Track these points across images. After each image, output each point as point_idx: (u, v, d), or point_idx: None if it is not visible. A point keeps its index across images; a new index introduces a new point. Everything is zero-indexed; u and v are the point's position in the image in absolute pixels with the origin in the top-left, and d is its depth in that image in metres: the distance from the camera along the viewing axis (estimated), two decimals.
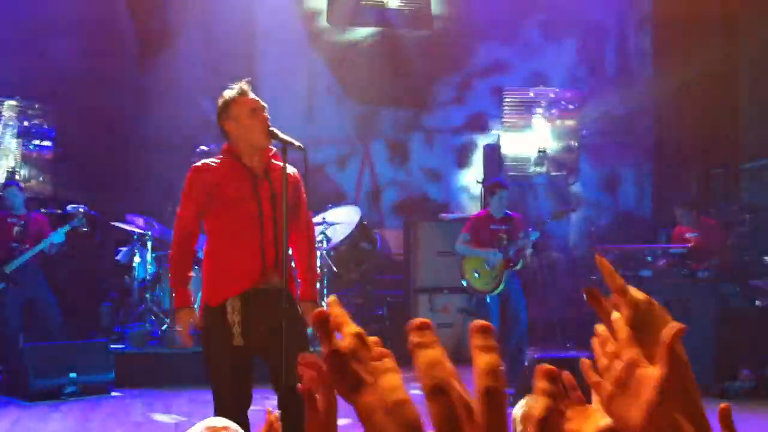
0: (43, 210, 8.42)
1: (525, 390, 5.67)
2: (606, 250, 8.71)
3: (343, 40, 11.06)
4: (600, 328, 0.92)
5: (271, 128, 3.70)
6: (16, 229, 7.75)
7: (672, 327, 0.85)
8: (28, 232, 7.80)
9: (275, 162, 3.78)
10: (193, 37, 10.21)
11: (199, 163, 3.79)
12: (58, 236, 7.67)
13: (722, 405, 0.92)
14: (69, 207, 8.48)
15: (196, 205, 3.72)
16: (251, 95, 3.74)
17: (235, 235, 3.69)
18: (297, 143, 3.66)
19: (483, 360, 0.54)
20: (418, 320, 0.54)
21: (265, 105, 3.76)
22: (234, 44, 10.33)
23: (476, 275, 7.52)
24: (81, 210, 7.77)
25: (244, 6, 10.42)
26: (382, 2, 10.90)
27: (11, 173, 9.24)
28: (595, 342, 0.92)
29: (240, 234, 3.69)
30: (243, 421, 3.43)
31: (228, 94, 3.75)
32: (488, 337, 0.54)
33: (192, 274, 3.80)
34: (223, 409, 3.55)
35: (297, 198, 3.86)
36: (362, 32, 11.10)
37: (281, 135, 3.67)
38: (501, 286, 7.35)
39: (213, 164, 3.75)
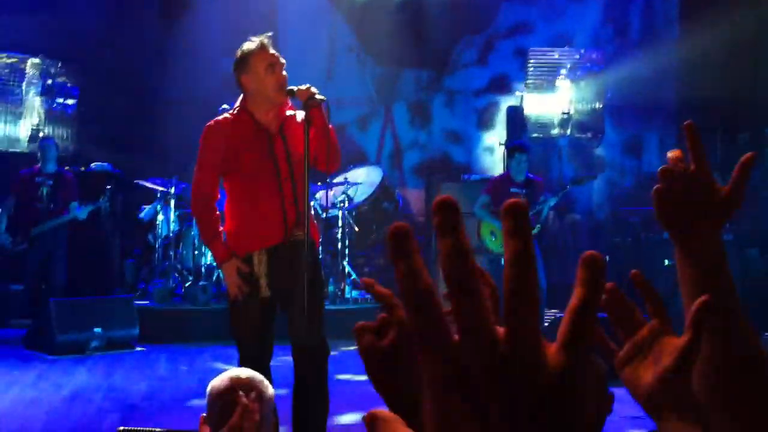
0: (67, 168, 8.48)
1: None
2: (631, 212, 8.66)
3: (365, 0, 10.96)
4: None
5: (289, 87, 3.64)
6: (43, 189, 7.80)
7: (701, 300, 0.87)
8: (55, 192, 7.85)
9: (291, 116, 3.74)
10: None
11: (212, 122, 3.70)
12: (81, 213, 7.75)
13: (687, 122, 1.10)
14: (93, 165, 8.56)
15: (212, 167, 3.67)
16: (271, 50, 3.66)
17: (255, 196, 3.67)
18: (318, 95, 3.58)
19: (513, 245, 0.49)
20: (443, 197, 0.48)
21: (284, 61, 3.69)
22: (255, 2, 10.27)
23: (492, 237, 7.53)
24: (105, 198, 7.80)
25: None
26: None
27: (35, 131, 9.30)
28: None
29: (259, 195, 3.66)
30: (266, 373, 3.32)
31: (247, 46, 3.68)
32: (519, 219, 0.48)
33: (221, 228, 3.75)
34: (248, 359, 3.57)
35: (322, 125, 3.69)
36: None
37: (299, 88, 3.61)
38: None
39: (226, 123, 3.67)
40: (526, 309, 0.47)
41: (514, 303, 0.47)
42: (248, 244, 3.67)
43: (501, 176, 7.84)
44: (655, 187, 1.17)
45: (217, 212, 3.78)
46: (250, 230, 3.68)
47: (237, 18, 9.98)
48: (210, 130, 3.67)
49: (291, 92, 3.63)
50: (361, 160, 10.00)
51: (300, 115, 3.72)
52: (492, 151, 11.14)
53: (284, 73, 3.66)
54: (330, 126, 3.67)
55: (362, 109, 11.11)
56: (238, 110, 3.70)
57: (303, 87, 3.61)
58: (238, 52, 3.71)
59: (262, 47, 3.65)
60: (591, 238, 10.07)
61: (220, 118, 3.72)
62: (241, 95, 3.74)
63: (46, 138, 8.61)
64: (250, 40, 3.70)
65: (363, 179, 8.94)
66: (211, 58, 9.75)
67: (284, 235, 3.67)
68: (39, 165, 7.98)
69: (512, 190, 7.47)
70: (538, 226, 7.37)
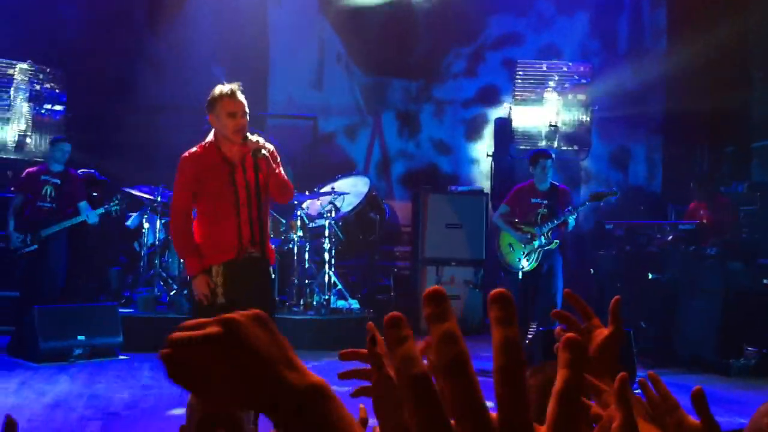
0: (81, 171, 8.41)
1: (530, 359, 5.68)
2: (615, 225, 8.69)
3: (354, 8, 10.99)
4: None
5: (245, 134, 4.18)
6: (47, 188, 7.75)
7: (616, 298, 1.16)
8: (61, 192, 7.79)
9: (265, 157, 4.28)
10: (203, 2, 10.17)
11: (186, 153, 4.32)
12: (92, 217, 7.71)
13: (696, 388, 1.07)
14: (80, 171, 8.51)
15: (188, 189, 4.30)
16: (237, 98, 4.18)
17: (216, 216, 4.29)
18: (264, 150, 4.18)
19: (500, 334, 0.50)
20: (432, 289, 0.50)
21: (246, 110, 4.22)
22: (244, 10, 10.28)
23: (510, 249, 7.26)
24: (116, 200, 7.77)
25: None
26: None
27: (23, 136, 9.26)
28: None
29: (220, 216, 4.27)
30: None
31: (217, 90, 4.21)
32: (507, 307, 0.49)
33: (195, 243, 4.33)
34: None
35: (269, 172, 4.33)
36: (374, 1, 11.02)
37: (251, 139, 4.18)
38: (532, 264, 7.09)
39: (197, 154, 4.29)
40: (517, 395, 0.47)
41: (504, 389, 0.47)
42: (209, 258, 4.28)
43: (523, 185, 7.44)
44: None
45: (191, 230, 4.37)
46: (210, 246, 4.28)
47: (227, 25, 10.00)
48: (184, 160, 4.31)
49: (245, 139, 4.19)
50: (348, 170, 10.01)
51: (266, 144, 4.31)
52: (479, 162, 11.17)
53: (245, 119, 4.21)
54: (278, 170, 4.31)
55: (351, 119, 11.13)
56: (208, 143, 4.32)
57: (254, 139, 4.19)
58: (210, 94, 4.26)
59: (229, 95, 4.18)
60: (575, 251, 10.09)
61: (192, 149, 4.33)
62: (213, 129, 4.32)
63: (58, 137, 8.45)
64: (222, 84, 4.25)
65: (350, 189, 8.95)
66: (201, 65, 9.76)
67: (238, 252, 4.24)
68: (45, 164, 7.94)
69: (533, 200, 7.20)
70: (557, 241, 7.11)
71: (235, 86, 4.21)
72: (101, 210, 7.75)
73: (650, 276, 7.94)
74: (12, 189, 8.24)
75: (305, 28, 10.80)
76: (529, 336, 7.05)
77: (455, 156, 11.34)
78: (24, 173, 7.99)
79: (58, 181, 7.81)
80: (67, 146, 7.97)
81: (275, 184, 4.33)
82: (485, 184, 10.61)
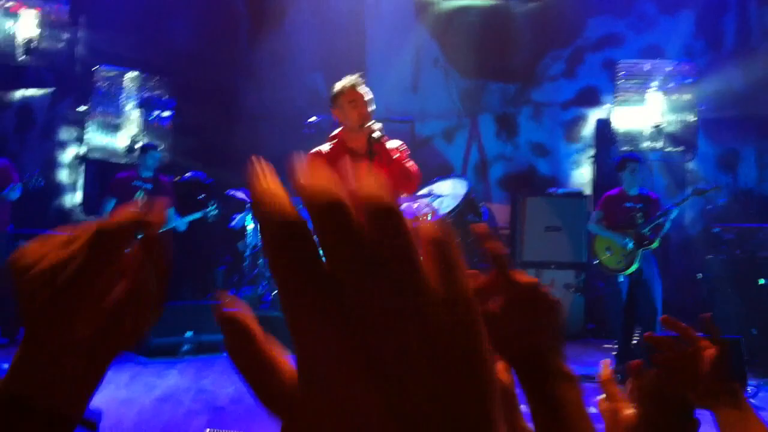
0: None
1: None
2: (723, 228, 8.39)
3: (451, 12, 11.00)
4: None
5: (367, 122, 4.25)
6: (139, 193, 8.02)
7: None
8: (153, 197, 8.04)
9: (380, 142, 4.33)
10: (302, 12, 10.38)
11: (314, 150, 4.42)
12: (181, 225, 7.93)
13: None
14: (187, 174, 8.83)
15: None
16: (357, 88, 4.31)
17: None
18: (374, 134, 4.19)
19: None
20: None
21: (368, 98, 4.30)
22: (342, 18, 10.44)
23: (608, 253, 7.17)
24: (214, 205, 7.97)
25: None
26: None
27: (133, 142, 9.67)
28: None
29: None
30: None
31: (337, 85, 4.37)
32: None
33: None
34: None
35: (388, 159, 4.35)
36: (470, 4, 11.00)
37: (367, 125, 4.22)
38: (634, 266, 6.98)
39: (324, 150, 4.39)
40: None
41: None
42: None
43: (613, 192, 7.37)
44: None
45: None
46: None
47: (325, 35, 10.18)
48: (311, 156, 4.36)
49: (362, 125, 4.28)
50: (446, 172, 10.00)
51: (393, 143, 4.39)
52: (578, 164, 10.98)
53: (367, 108, 4.29)
54: (397, 155, 4.32)
55: (448, 122, 11.14)
56: (334, 138, 4.43)
57: (369, 124, 4.25)
58: (331, 90, 4.40)
59: (349, 86, 4.33)
60: (682, 255, 9.80)
61: (320, 147, 4.45)
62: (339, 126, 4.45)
63: (149, 144, 8.73)
64: (343, 78, 4.39)
65: (448, 191, 8.93)
66: (300, 73, 9.98)
67: None
68: (136, 169, 8.20)
69: (627, 204, 7.11)
70: (657, 240, 7.00)
71: (354, 78, 4.37)
72: (198, 214, 7.98)
73: (761, 281, 7.62)
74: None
75: (402, 33, 10.88)
76: (634, 341, 6.92)
77: (554, 158, 11.18)
78: (114, 178, 8.20)
79: (150, 186, 8.05)
80: (158, 154, 8.18)
81: (398, 173, 4.30)
82: (585, 186, 10.44)
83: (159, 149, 8.47)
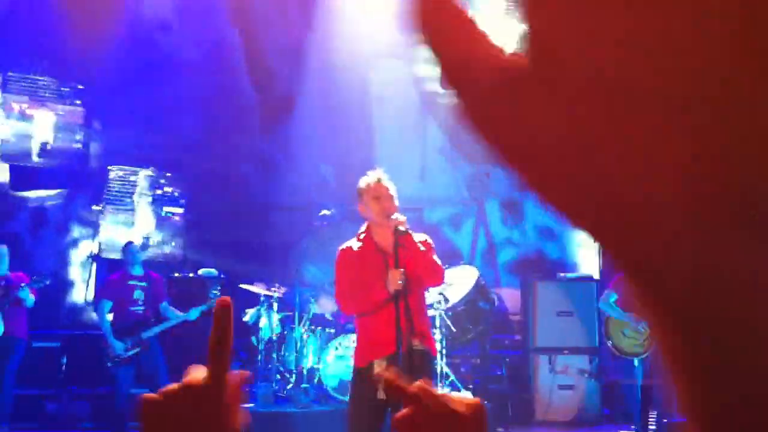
0: (177, 274, 8.80)
1: None
2: None
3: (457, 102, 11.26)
4: None
5: (391, 215, 4.27)
6: (137, 292, 8.00)
7: None
8: (149, 294, 8.06)
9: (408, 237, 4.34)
10: (312, 104, 10.66)
11: (343, 246, 4.46)
12: (192, 314, 7.93)
13: None
14: (201, 271, 8.92)
15: (348, 280, 4.36)
16: (382, 183, 4.36)
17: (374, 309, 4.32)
18: (401, 227, 4.21)
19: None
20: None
21: (392, 193, 4.36)
22: (350, 109, 10.71)
23: (622, 335, 7.17)
24: (217, 293, 7.96)
25: (359, 73, 10.82)
26: None
27: (146, 238, 9.80)
28: None
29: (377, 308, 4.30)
30: None
31: (362, 181, 4.41)
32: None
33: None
34: None
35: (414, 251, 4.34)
36: None
37: (394, 219, 4.25)
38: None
39: (354, 245, 4.42)
40: None
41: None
42: (369, 352, 4.29)
43: None
44: None
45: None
46: (370, 340, 4.32)
47: (334, 127, 10.42)
48: (341, 254, 4.44)
49: (389, 218, 4.28)
50: (455, 259, 10.09)
51: (419, 236, 4.37)
52: (586, 247, 11.08)
53: (391, 202, 4.31)
54: (423, 249, 4.31)
55: (454, 208, 11.29)
56: (362, 233, 4.46)
57: (394, 217, 4.26)
58: (357, 186, 4.43)
59: (375, 181, 4.35)
60: None
61: (348, 242, 4.48)
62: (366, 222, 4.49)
63: (129, 242, 8.76)
64: (366, 175, 4.41)
65: (459, 279, 9.01)
66: (310, 165, 10.18)
67: (398, 345, 4.14)
68: (126, 269, 8.03)
69: None
70: None
71: (379, 172, 4.42)
72: (204, 307, 7.96)
73: None
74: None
75: (409, 124, 11.13)
76: (651, 426, 6.88)
77: (561, 241, 11.29)
78: (107, 281, 8.17)
79: (145, 284, 8.02)
80: (137, 249, 8.16)
81: (423, 265, 4.30)
82: (592, 269, 10.51)
83: (137, 245, 8.45)
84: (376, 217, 4.32)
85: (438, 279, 4.45)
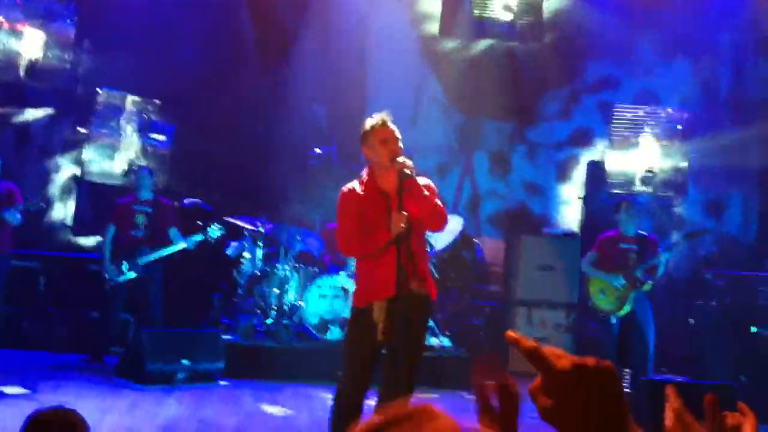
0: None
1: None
2: (715, 274, 8.55)
3: (452, 50, 11.16)
4: None
5: (397, 158, 4.18)
6: (139, 217, 8.00)
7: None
8: (154, 220, 8.02)
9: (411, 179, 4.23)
10: (308, 41, 10.48)
11: (345, 188, 4.39)
12: (189, 242, 7.91)
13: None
14: (185, 200, 8.83)
15: (351, 222, 4.33)
16: (388, 126, 4.25)
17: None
18: (406, 169, 4.13)
19: None
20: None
21: (398, 136, 4.27)
22: (347, 48, 10.56)
23: (601, 295, 7.34)
24: (219, 226, 7.92)
25: (358, 10, 10.66)
26: (495, 17, 10.96)
27: (131, 165, 9.68)
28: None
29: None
30: (359, 402, 4.24)
31: (367, 124, 4.28)
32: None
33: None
34: (348, 385, 4.25)
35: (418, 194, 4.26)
36: (472, 43, 11.16)
37: (400, 162, 4.16)
38: (626, 307, 7.15)
39: (356, 188, 4.35)
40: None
41: None
42: (369, 294, 4.28)
43: (609, 233, 7.52)
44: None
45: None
46: (370, 282, 4.29)
47: (328, 68, 10.27)
48: (343, 195, 4.39)
49: (393, 161, 4.19)
50: None
51: (422, 180, 4.27)
52: (568, 203, 11.13)
53: (398, 145, 4.21)
54: (426, 192, 4.22)
55: (443, 158, 11.25)
56: (364, 176, 4.38)
57: (400, 160, 4.17)
58: (361, 128, 4.30)
59: (380, 124, 4.23)
60: (668, 298, 9.93)
61: (350, 184, 4.40)
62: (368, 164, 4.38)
63: (141, 167, 8.83)
64: (372, 117, 4.29)
65: None
66: (302, 106, 10.05)
67: (398, 289, 4.10)
68: (135, 193, 8.18)
69: (622, 245, 7.28)
70: (651, 282, 7.18)
71: (384, 115, 4.28)
72: (200, 236, 7.94)
73: (753, 329, 7.77)
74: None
75: (404, 69, 11.01)
76: (625, 384, 7.00)
77: (545, 197, 11.32)
78: (115, 205, 8.19)
79: (150, 209, 8.03)
80: (148, 174, 8.17)
81: (427, 209, 4.22)
82: (574, 226, 10.58)
83: (151, 170, 8.47)
84: (382, 160, 4.19)
85: (441, 223, 4.35)
